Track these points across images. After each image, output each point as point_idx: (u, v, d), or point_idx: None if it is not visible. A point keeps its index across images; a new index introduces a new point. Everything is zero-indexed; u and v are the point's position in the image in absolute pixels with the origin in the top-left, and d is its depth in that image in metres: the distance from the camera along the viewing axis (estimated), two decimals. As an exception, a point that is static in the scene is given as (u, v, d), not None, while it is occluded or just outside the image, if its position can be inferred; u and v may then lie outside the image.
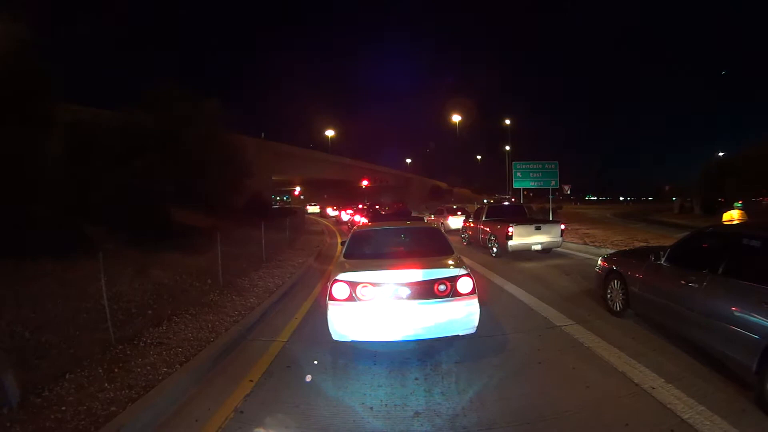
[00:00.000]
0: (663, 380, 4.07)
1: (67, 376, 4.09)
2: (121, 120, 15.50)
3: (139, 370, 4.35)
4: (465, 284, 4.82)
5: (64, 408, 3.55)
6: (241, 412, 3.77)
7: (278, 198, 63.85)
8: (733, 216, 10.19)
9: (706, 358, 4.35)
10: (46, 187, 9.88)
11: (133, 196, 12.30)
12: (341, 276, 4.84)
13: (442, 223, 20.62)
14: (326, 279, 4.95)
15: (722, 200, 30.07)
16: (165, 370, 4.37)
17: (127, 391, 3.87)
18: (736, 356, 3.83)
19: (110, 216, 11.60)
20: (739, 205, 10.95)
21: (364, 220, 19.27)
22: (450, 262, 5.17)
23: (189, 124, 16.97)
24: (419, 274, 4.77)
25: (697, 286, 4.46)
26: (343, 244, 6.31)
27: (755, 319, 3.63)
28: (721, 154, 43.64)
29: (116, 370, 4.30)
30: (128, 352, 4.82)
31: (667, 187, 74.68)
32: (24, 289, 6.35)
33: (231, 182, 20.13)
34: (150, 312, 6.21)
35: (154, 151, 14.56)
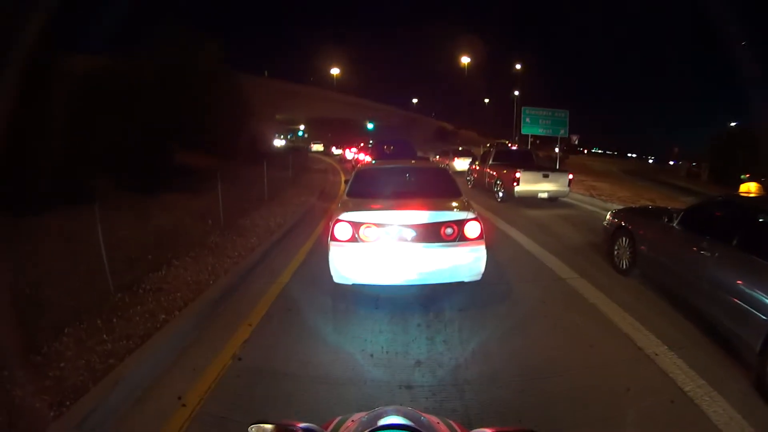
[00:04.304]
0: (666, 347, 3.97)
1: (66, 330, 3.96)
2: (116, 66, 14.97)
3: (137, 318, 4.24)
4: (473, 228, 4.63)
5: (63, 365, 3.43)
6: (239, 359, 3.72)
7: (283, 136, 62.89)
8: (750, 188, 9.90)
9: (709, 330, 4.23)
10: (45, 141, 9.61)
11: (133, 142, 12.02)
12: (344, 216, 4.64)
13: (447, 164, 20.24)
14: (329, 218, 4.79)
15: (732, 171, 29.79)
16: (163, 317, 4.28)
17: (125, 342, 3.77)
18: (742, 333, 3.69)
19: (112, 164, 11.42)
20: (746, 177, 10.68)
21: (368, 158, 18.96)
22: (458, 204, 4.97)
23: (188, 65, 16.46)
24: (426, 216, 4.58)
25: (708, 254, 4.29)
26: (347, 182, 6.07)
27: (765, 298, 3.48)
28: (733, 124, 42.43)
29: (114, 320, 4.18)
30: (127, 300, 4.68)
31: (675, 149, 73.26)
32: (25, 245, 6.19)
33: (233, 122, 19.80)
34: (150, 257, 6.06)
35: (153, 96, 14.12)
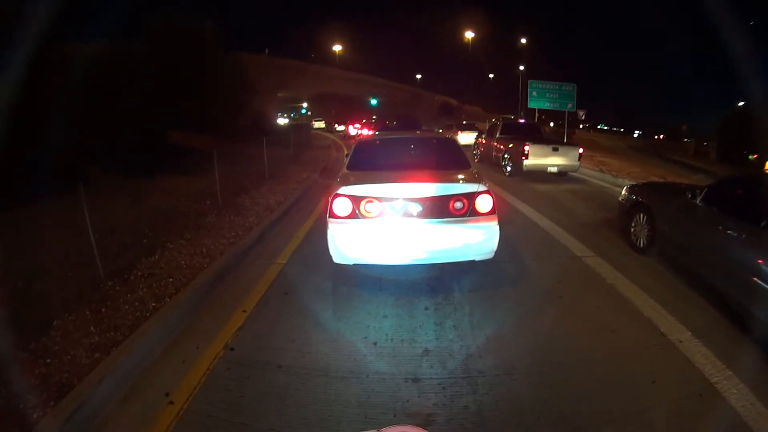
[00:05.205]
0: (690, 334, 3.67)
1: (54, 323, 3.71)
2: (108, 50, 14.59)
3: (126, 307, 3.95)
4: (485, 202, 4.28)
5: (49, 360, 3.20)
6: (232, 349, 3.45)
7: (285, 114, 62.24)
8: None
9: (734, 316, 3.92)
10: (32, 127, 9.32)
11: (128, 125, 11.73)
12: (343, 190, 4.28)
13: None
14: (329, 194, 4.46)
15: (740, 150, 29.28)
16: (153, 305, 3.99)
17: (112, 334, 3.51)
18: None
19: (106, 147, 11.03)
20: (753, 158, 10.26)
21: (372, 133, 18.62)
22: (467, 176, 4.58)
23: (185, 45, 16.04)
24: (432, 189, 4.23)
25: (735, 234, 3.97)
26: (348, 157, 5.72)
27: None
28: (741, 104, 41.42)
29: (103, 310, 3.91)
30: (117, 288, 4.38)
31: (684, 127, 71.74)
32: (15, 234, 5.91)
33: (233, 101, 19.44)
34: (145, 241, 5.76)
35: (148, 78, 13.76)
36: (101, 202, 4.78)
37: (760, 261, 3.58)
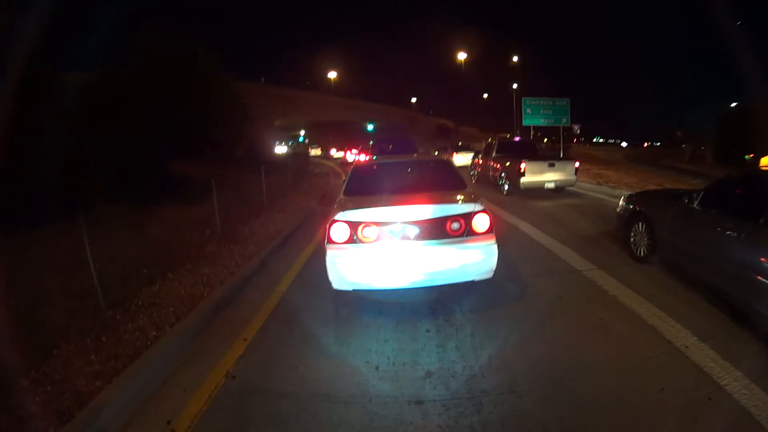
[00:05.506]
0: (696, 338, 3.65)
1: (55, 352, 3.72)
2: (107, 80, 14.82)
3: (127, 336, 3.95)
4: (481, 221, 4.28)
5: (49, 388, 3.19)
6: (233, 377, 3.42)
7: (283, 143, 62.73)
8: None
9: (739, 316, 3.90)
10: (35, 156, 9.47)
11: (127, 155, 11.83)
12: (340, 215, 4.29)
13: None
14: (327, 221, 4.46)
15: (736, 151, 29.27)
16: (154, 334, 3.98)
17: (113, 362, 3.50)
18: None
19: (109, 176, 11.15)
20: (749, 158, 10.30)
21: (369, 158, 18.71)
22: (463, 196, 4.59)
23: (184, 76, 16.26)
24: (429, 211, 4.22)
25: (735, 235, 3.96)
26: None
27: None
28: (733, 104, 41.73)
29: (104, 339, 3.91)
30: (118, 318, 4.39)
31: (678, 132, 72.25)
32: (18, 262, 5.96)
33: (231, 131, 19.59)
34: (145, 271, 5.76)
35: (147, 109, 13.93)
36: (101, 231, 4.81)
37: (762, 259, 3.59)
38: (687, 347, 3.53)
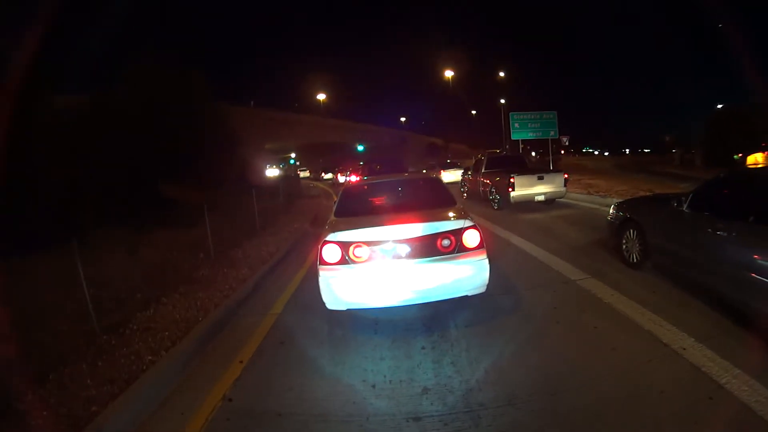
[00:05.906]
0: (693, 340, 3.67)
1: (50, 376, 3.70)
2: (97, 105, 14.91)
3: (122, 361, 3.93)
4: (472, 237, 4.31)
5: (45, 413, 3.17)
6: (230, 399, 3.39)
7: (274, 165, 62.83)
8: (757, 159, 9.59)
9: (735, 315, 3.94)
10: (32, 183, 9.49)
11: (118, 181, 11.92)
12: (331, 236, 4.32)
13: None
14: (319, 242, 4.48)
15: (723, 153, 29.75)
16: (150, 358, 3.96)
17: (108, 387, 3.47)
18: None
19: (101, 201, 11.25)
20: (738, 158, 10.46)
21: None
22: (453, 213, 4.65)
23: (172, 101, 16.37)
24: (419, 229, 4.25)
25: (726, 234, 4.01)
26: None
27: None
28: (719, 106, 42.47)
29: (99, 364, 3.90)
30: (113, 342, 4.38)
31: (667, 138, 73.39)
32: (13, 286, 5.83)
33: (222, 155, 19.65)
34: (139, 295, 5.76)
35: (138, 134, 14.00)
36: (95, 256, 4.81)
37: (755, 256, 3.63)
38: (684, 349, 3.55)
